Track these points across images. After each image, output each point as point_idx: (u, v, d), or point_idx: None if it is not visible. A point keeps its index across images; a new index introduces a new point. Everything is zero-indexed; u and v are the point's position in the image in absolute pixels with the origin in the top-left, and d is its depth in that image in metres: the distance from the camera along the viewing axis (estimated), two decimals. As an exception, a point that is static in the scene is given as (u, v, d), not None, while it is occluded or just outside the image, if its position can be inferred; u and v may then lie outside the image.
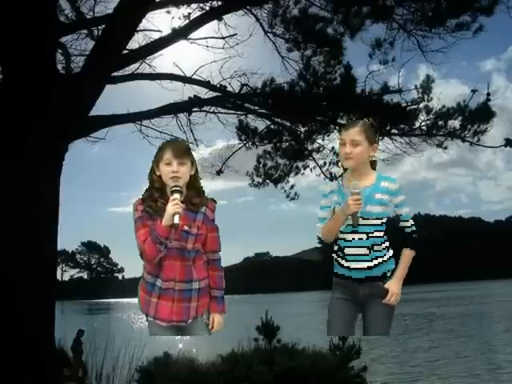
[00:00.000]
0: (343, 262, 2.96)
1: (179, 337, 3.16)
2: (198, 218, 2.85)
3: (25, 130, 6.64)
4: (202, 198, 2.89)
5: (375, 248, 2.92)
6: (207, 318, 2.94)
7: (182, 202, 2.73)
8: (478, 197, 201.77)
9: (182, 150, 2.81)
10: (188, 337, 3.16)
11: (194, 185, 2.87)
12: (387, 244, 2.97)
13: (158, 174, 2.83)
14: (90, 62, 7.26)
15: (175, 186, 2.73)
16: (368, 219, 2.89)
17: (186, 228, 2.80)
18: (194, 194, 2.85)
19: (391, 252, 2.99)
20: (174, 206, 2.66)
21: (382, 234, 2.94)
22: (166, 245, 2.73)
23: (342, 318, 3.02)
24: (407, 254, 2.96)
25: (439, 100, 9.41)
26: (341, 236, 2.96)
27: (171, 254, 2.80)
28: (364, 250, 2.91)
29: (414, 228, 2.98)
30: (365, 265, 2.91)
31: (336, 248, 3.01)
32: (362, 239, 2.91)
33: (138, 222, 2.81)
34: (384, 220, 2.94)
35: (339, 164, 3.13)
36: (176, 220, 2.66)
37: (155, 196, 2.81)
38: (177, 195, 2.70)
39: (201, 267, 2.89)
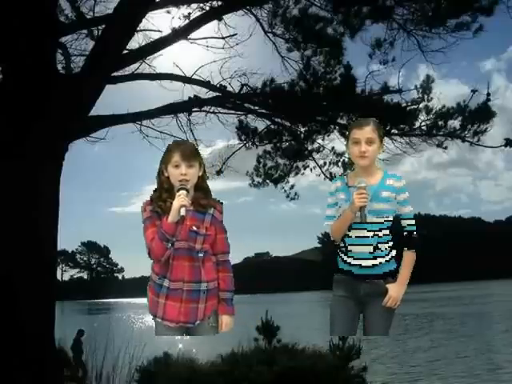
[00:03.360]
0: (347, 258, 2.95)
1: (179, 337, 3.15)
2: (207, 219, 2.85)
3: (25, 130, 6.65)
4: (210, 199, 2.89)
5: (380, 246, 2.90)
6: (213, 320, 2.93)
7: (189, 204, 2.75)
8: (478, 197, 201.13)
9: (191, 153, 2.79)
10: (188, 337, 3.14)
11: (201, 186, 2.87)
12: (392, 243, 2.94)
13: (166, 175, 2.83)
14: (90, 62, 7.26)
15: (181, 185, 2.74)
16: (374, 217, 2.87)
17: (194, 228, 2.80)
18: (201, 195, 2.86)
19: (394, 252, 2.95)
20: (179, 200, 2.67)
21: (387, 232, 2.91)
22: (173, 242, 2.73)
23: (343, 316, 2.99)
24: (408, 257, 2.91)
25: (439, 100, 9.42)
26: (346, 233, 2.94)
27: (179, 254, 2.79)
28: (369, 248, 2.89)
29: (414, 228, 2.94)
30: (368, 263, 2.89)
31: (341, 244, 2.99)
32: (367, 237, 2.89)
33: (147, 222, 2.81)
34: (390, 218, 2.91)
35: (339, 164, 3.13)
36: (182, 212, 2.66)
37: (164, 196, 2.80)
38: (183, 191, 2.71)
39: (209, 268, 2.88)
